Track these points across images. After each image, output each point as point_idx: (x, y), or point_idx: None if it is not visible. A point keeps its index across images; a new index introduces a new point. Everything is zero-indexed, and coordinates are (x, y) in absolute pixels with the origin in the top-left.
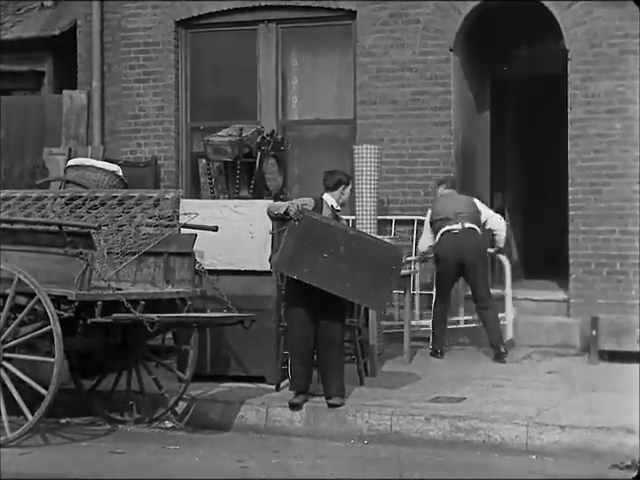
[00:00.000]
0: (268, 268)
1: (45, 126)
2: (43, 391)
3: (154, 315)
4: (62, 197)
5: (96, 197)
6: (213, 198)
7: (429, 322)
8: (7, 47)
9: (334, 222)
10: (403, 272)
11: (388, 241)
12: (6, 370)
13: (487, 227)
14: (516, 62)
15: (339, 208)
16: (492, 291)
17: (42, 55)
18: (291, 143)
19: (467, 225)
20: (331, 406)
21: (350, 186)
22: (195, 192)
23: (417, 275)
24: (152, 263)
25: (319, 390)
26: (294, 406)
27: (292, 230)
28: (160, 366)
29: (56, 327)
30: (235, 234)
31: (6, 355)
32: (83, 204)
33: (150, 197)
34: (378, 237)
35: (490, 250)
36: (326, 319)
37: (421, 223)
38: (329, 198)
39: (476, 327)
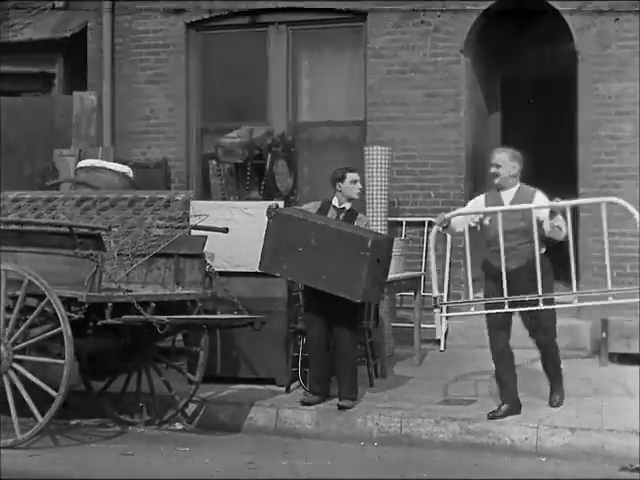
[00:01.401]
0: None
1: (55, 127)
2: (53, 393)
3: (164, 317)
4: (72, 198)
5: (106, 198)
6: (223, 199)
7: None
8: (18, 49)
9: (309, 216)
10: (413, 274)
11: (365, 230)
12: (16, 372)
13: None
14: (526, 64)
15: (345, 205)
16: None
17: (52, 57)
18: (300, 145)
19: None
20: (340, 408)
21: (347, 180)
22: (205, 193)
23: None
24: (162, 265)
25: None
26: (304, 403)
27: (268, 229)
28: (170, 368)
29: (66, 329)
30: (245, 236)
31: (17, 357)
32: (93, 205)
33: (160, 199)
34: (352, 226)
35: None
36: (340, 322)
37: (432, 225)
38: (333, 198)
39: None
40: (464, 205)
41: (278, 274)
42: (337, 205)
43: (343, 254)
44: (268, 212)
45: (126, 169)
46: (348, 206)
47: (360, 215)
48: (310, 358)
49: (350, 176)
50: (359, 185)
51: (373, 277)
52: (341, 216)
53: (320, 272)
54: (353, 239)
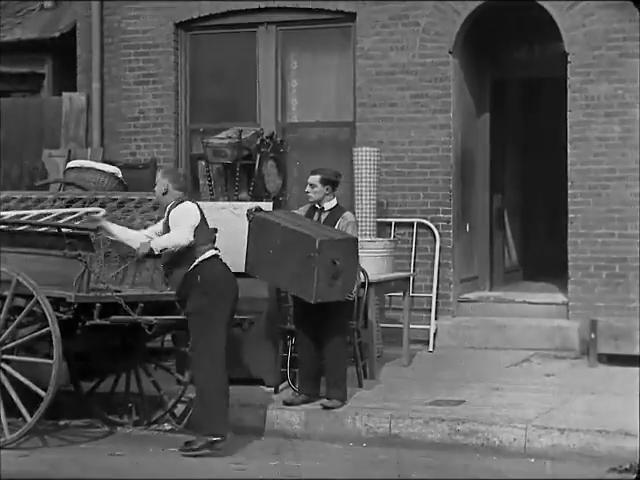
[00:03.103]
0: None
1: (44, 128)
2: (42, 393)
3: (152, 317)
4: (62, 199)
5: (96, 199)
6: (212, 200)
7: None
8: (6, 49)
9: (283, 218)
10: (402, 275)
11: (331, 230)
12: (5, 372)
13: None
14: (515, 65)
15: (324, 206)
16: (486, 293)
17: (42, 57)
18: (290, 145)
19: None
20: (325, 408)
21: (310, 181)
22: (194, 194)
23: None
24: (151, 265)
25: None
26: (286, 403)
27: (249, 232)
28: (159, 368)
29: (55, 329)
30: (234, 236)
31: (5, 357)
32: (82, 206)
33: (150, 200)
34: (320, 227)
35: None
36: (329, 323)
37: (421, 225)
38: None
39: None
40: (452, 205)
41: (258, 277)
42: (317, 206)
43: (298, 255)
44: (247, 215)
45: (115, 169)
46: (328, 206)
47: (345, 214)
48: (299, 359)
49: (310, 177)
50: (307, 188)
51: (329, 278)
52: (322, 216)
53: (282, 272)
54: (305, 240)
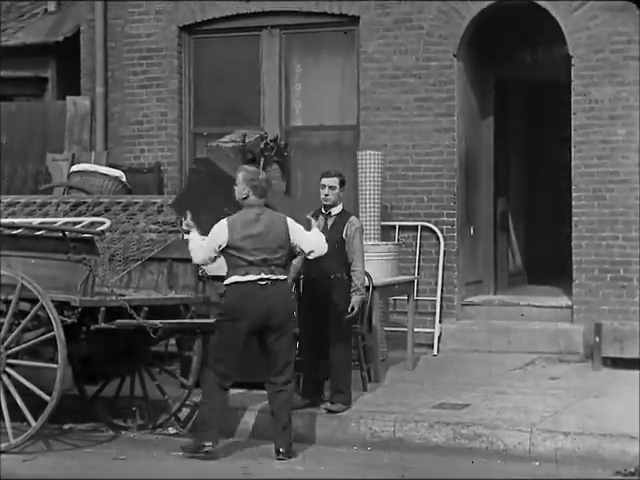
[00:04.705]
0: None
1: (48, 132)
2: (46, 397)
3: (157, 321)
4: (66, 203)
5: (100, 203)
6: None
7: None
8: (10, 53)
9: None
10: (407, 278)
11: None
12: (9, 376)
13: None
14: (519, 68)
15: (330, 211)
16: (490, 297)
17: (45, 61)
18: (293, 149)
19: None
20: (329, 412)
21: (329, 183)
22: None
23: None
24: (155, 269)
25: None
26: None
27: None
28: (163, 372)
29: (59, 333)
30: None
31: (9, 361)
32: (87, 210)
33: (154, 203)
34: None
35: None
36: (334, 327)
37: (425, 229)
38: None
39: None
40: (456, 209)
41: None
42: (324, 211)
43: None
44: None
45: (119, 173)
46: (335, 211)
47: (352, 219)
48: (304, 362)
49: (321, 181)
50: (325, 191)
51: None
52: (329, 222)
53: None
54: None
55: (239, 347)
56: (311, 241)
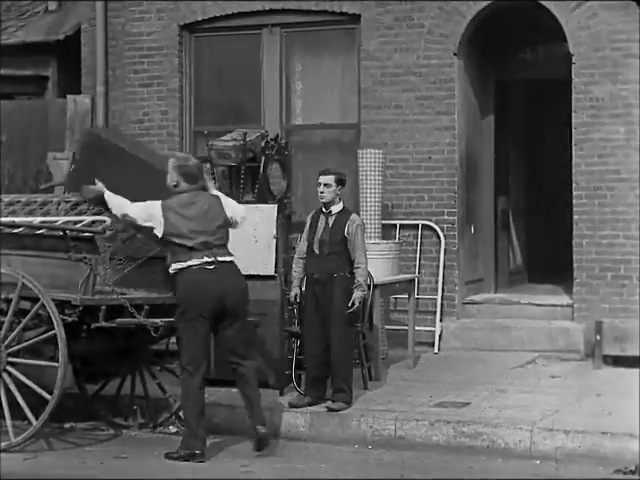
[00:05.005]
0: (272, 272)
1: (49, 130)
2: (47, 396)
3: (158, 319)
4: (67, 202)
5: None
6: None
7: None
8: (11, 51)
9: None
10: (407, 277)
11: None
12: (10, 375)
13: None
14: (520, 66)
15: (331, 209)
16: (491, 295)
17: (46, 59)
18: (294, 148)
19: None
20: (330, 410)
21: (324, 181)
22: None
23: None
24: (157, 268)
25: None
26: (292, 406)
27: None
28: (164, 370)
29: (60, 331)
30: (239, 238)
31: (10, 360)
32: (88, 209)
33: None
34: None
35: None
36: (336, 325)
37: (426, 227)
38: None
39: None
40: (457, 207)
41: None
42: (324, 210)
43: None
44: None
45: None
46: (335, 209)
47: (353, 216)
48: (305, 361)
49: (318, 179)
50: (321, 189)
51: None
52: (330, 220)
53: None
54: None
55: (206, 337)
56: (241, 209)
